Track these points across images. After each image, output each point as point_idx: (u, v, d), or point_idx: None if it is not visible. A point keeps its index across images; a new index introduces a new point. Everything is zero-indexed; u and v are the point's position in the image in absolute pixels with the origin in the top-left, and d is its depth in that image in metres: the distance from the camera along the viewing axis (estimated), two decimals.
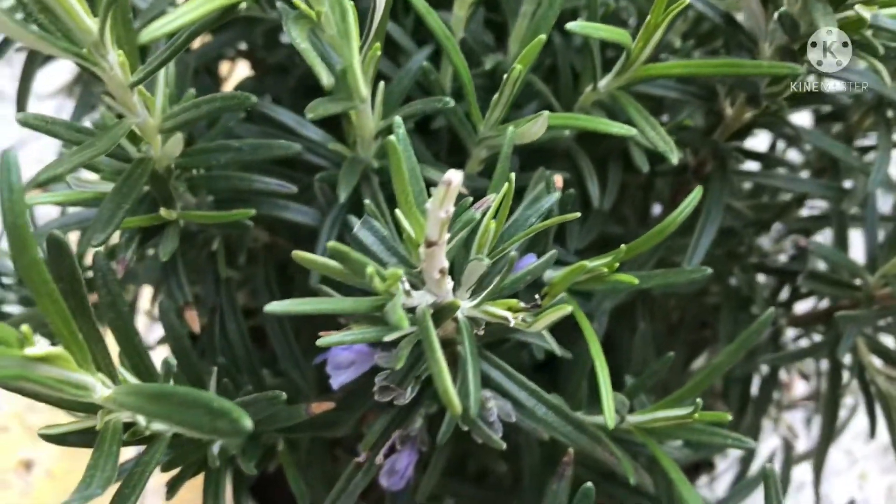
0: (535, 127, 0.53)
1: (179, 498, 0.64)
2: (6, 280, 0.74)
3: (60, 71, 0.96)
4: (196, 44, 0.80)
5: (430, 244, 0.46)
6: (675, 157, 0.56)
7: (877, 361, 0.79)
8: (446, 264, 0.48)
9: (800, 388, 1.36)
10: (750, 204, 0.81)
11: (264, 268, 0.76)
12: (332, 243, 0.40)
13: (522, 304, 0.47)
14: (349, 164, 0.65)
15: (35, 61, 0.76)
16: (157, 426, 0.55)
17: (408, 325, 0.41)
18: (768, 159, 0.72)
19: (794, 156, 0.89)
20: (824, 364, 1.06)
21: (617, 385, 0.62)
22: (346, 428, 0.69)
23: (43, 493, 1.41)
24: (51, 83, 1.02)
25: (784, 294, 0.90)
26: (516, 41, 0.73)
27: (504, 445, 0.61)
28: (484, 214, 0.51)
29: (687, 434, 0.63)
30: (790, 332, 0.93)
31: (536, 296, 0.48)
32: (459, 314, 0.52)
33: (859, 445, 1.56)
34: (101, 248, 0.53)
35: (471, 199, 0.51)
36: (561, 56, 0.73)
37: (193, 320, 0.63)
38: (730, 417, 0.56)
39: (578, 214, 0.49)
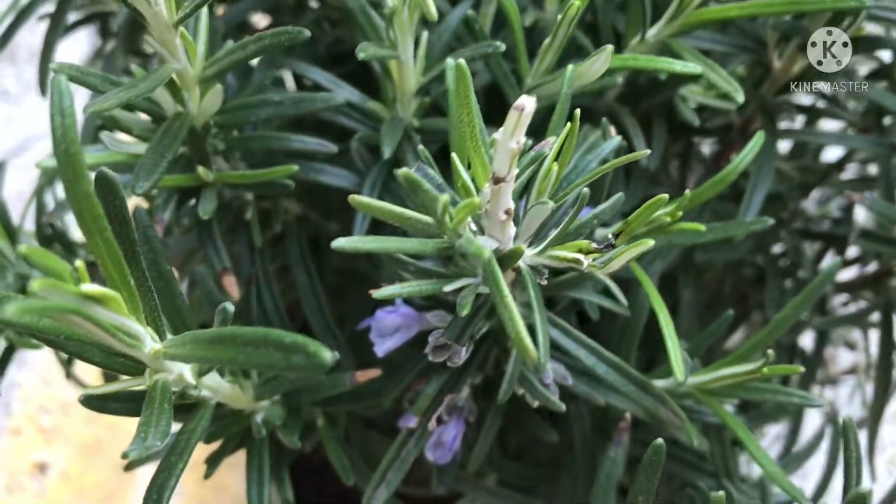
0: (595, 66, 0.51)
1: (194, 496, 0.61)
2: None
3: (78, 44, 0.94)
4: (220, 12, 0.78)
5: (497, 180, 0.43)
6: (740, 96, 0.54)
7: None
8: (512, 205, 0.45)
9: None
10: (794, 165, 0.79)
11: (297, 239, 0.74)
12: (403, 170, 0.37)
13: (594, 245, 0.45)
14: (390, 122, 0.63)
15: (57, 30, 0.73)
16: (204, 392, 0.52)
17: (487, 255, 0.38)
18: (818, 112, 0.70)
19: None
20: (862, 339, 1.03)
21: (663, 357, 0.60)
22: (390, 399, 0.66)
23: (58, 496, 1.38)
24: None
25: (828, 260, 0.88)
26: None
27: (563, 407, 0.58)
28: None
29: (750, 393, 0.60)
30: (835, 302, 0.90)
31: (609, 234, 0.46)
32: (521, 263, 0.49)
33: (889, 430, 1.53)
34: (143, 204, 0.51)
35: (530, 141, 0.49)
36: (601, 13, 0.71)
37: (232, 286, 0.61)
38: (801, 369, 0.53)
39: (648, 151, 0.46)
